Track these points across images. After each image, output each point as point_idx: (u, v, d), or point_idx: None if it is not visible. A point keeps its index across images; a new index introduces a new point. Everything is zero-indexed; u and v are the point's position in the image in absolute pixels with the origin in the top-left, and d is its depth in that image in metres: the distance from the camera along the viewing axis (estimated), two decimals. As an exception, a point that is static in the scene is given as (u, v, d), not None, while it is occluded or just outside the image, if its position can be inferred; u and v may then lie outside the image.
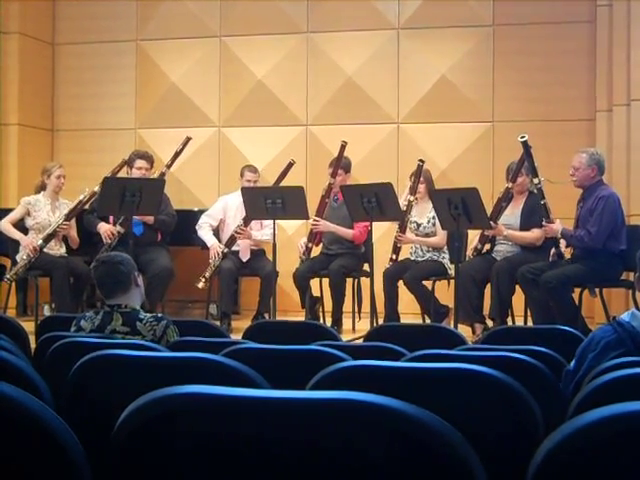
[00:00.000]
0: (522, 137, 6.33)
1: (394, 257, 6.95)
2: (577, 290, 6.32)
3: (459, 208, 6.02)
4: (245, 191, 6.84)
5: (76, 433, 1.53)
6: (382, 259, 6.93)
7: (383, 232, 7.49)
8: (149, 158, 7.45)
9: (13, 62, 8.61)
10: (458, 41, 8.29)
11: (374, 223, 6.55)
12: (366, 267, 7.03)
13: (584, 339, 2.97)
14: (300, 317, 7.08)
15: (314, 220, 7.07)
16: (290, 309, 7.63)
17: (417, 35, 8.37)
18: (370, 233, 6.73)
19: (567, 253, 6.53)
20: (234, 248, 7.31)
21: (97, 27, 8.99)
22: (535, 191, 6.48)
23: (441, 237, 6.96)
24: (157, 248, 7.31)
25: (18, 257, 7.15)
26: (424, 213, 7.05)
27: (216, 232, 7.57)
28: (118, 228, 7.17)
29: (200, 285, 7.17)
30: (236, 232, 7.23)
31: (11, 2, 8.61)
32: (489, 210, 6.43)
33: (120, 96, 8.94)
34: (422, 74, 8.31)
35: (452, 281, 6.62)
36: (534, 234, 6.62)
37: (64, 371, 2.44)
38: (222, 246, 7.28)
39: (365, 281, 7.03)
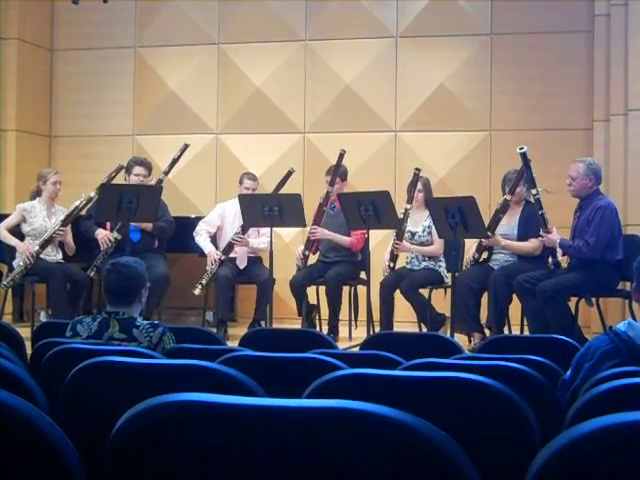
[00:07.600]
0: (521, 149, 6.30)
1: (391, 265, 6.96)
2: (573, 299, 6.33)
3: (456, 217, 6.02)
4: (242, 198, 6.84)
5: (72, 440, 1.53)
6: (379, 267, 6.93)
7: (380, 240, 7.48)
8: (147, 165, 7.45)
9: (11, 68, 8.62)
10: (456, 50, 8.30)
11: (371, 231, 6.56)
12: (363, 275, 7.02)
13: (580, 348, 2.97)
14: (296, 325, 7.07)
15: (312, 229, 7.06)
16: (287, 317, 7.62)
17: (415, 43, 8.38)
18: (367, 241, 6.73)
19: (564, 262, 6.53)
20: (231, 255, 7.31)
21: (95, 33, 9.00)
22: (533, 201, 6.48)
23: (438, 245, 6.95)
24: (154, 255, 7.29)
25: (15, 263, 7.14)
26: (419, 222, 7.05)
27: (213, 239, 7.55)
28: (115, 235, 7.17)
29: (197, 292, 7.17)
30: (234, 240, 7.22)
31: (10, 8, 8.62)
32: (486, 219, 6.43)
33: (118, 102, 8.94)
34: (420, 82, 8.32)
35: (449, 290, 6.62)
36: (532, 244, 6.62)
37: (60, 377, 2.44)
38: (219, 253, 7.27)
39: (362, 289, 7.03)
